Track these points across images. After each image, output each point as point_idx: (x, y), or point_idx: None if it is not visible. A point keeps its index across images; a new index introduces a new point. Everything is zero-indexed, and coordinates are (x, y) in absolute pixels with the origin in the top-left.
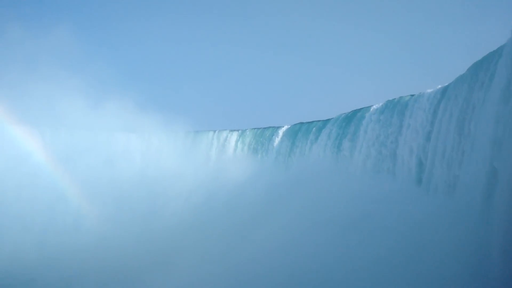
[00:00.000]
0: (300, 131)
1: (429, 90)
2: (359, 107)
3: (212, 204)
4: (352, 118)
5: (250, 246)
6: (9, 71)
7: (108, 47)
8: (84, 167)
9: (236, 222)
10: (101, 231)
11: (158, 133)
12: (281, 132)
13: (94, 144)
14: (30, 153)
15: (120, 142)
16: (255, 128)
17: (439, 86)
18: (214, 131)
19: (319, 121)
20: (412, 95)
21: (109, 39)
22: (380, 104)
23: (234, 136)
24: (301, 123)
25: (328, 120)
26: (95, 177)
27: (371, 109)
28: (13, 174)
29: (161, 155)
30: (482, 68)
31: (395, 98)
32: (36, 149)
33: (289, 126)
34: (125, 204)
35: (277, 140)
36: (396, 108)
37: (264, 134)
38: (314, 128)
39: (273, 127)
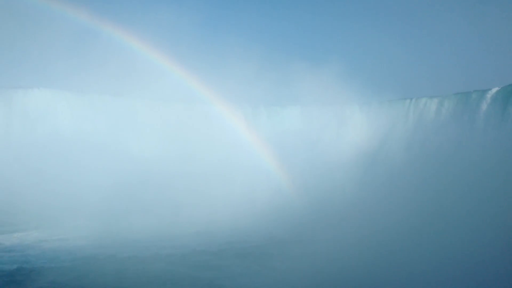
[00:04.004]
0: None
1: None
2: None
3: (412, 179)
4: None
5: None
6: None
7: None
8: (285, 146)
9: (443, 195)
10: (296, 206)
11: (351, 104)
12: (489, 96)
13: (293, 121)
14: (236, 131)
15: (315, 116)
16: (458, 93)
17: None
18: (411, 99)
19: None
20: None
21: None
22: None
23: (434, 103)
24: None
25: None
26: (295, 156)
27: None
28: (222, 149)
29: (355, 129)
30: None
31: None
32: (240, 127)
33: (499, 89)
34: (322, 183)
35: (485, 105)
36: None
37: (469, 99)
38: None
39: (479, 90)
